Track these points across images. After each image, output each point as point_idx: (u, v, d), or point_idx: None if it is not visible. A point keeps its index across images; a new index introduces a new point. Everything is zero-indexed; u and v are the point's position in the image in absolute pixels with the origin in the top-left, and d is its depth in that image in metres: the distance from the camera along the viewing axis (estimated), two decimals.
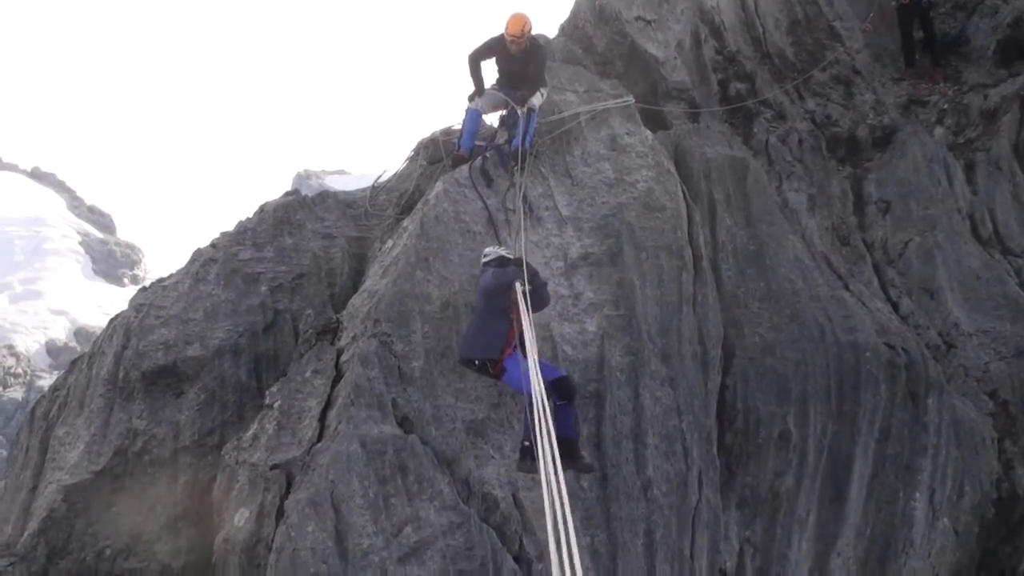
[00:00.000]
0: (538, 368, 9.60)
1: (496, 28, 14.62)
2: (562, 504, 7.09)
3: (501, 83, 15.05)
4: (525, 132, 14.12)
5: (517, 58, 14.65)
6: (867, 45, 20.01)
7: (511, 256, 11.89)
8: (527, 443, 10.45)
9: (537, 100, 14.50)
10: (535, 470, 8.89)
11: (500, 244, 12.74)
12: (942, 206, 16.49)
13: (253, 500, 10.96)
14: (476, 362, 10.94)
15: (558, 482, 7.38)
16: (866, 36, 20.18)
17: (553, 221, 13.74)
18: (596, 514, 11.50)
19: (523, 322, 10.46)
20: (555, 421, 9.91)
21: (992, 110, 18.08)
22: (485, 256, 11.90)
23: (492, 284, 11.09)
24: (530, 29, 14.49)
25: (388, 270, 12.71)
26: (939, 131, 18.03)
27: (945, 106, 18.53)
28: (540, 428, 8.28)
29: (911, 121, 18.10)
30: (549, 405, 8.98)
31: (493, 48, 14.83)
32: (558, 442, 8.55)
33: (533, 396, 8.99)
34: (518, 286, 10.99)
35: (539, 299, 11.30)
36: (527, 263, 11.60)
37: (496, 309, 10.91)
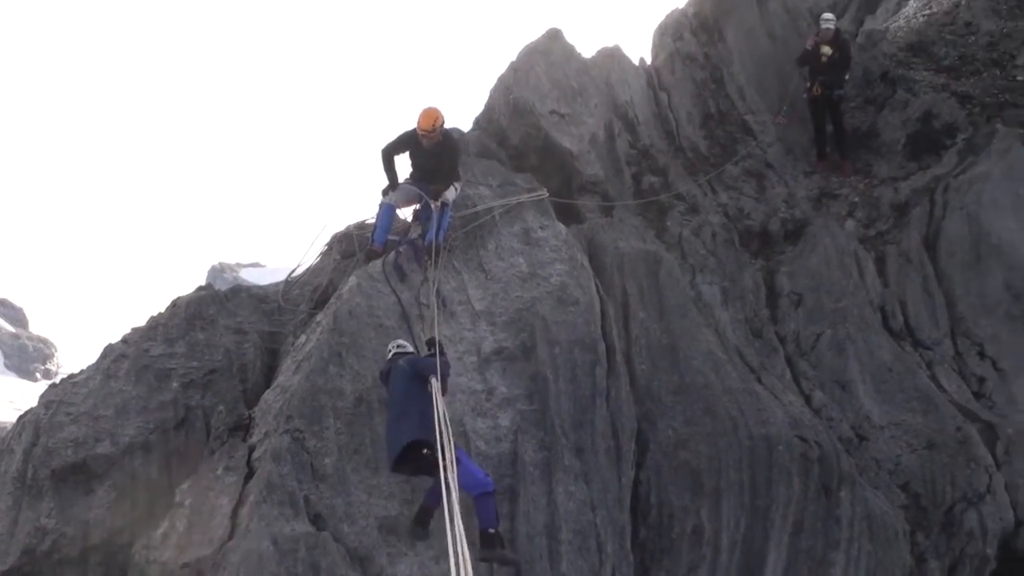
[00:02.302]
0: (454, 466, 10.07)
1: (411, 120, 15.13)
2: None
3: (415, 177, 15.42)
4: (439, 226, 14.57)
5: (430, 152, 15.09)
6: (779, 139, 21.08)
7: (411, 351, 12.42)
8: (491, 530, 11.02)
9: (451, 194, 14.98)
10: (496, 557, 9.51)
11: (414, 338, 13.24)
12: (853, 299, 17.30)
13: None
14: (410, 458, 11.04)
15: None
16: (778, 130, 21.28)
17: (467, 315, 14.29)
18: None
19: (439, 419, 10.77)
20: (477, 513, 10.59)
21: (902, 203, 19.10)
22: (389, 351, 12.38)
23: (410, 372, 11.52)
24: (442, 123, 14.98)
25: (301, 365, 13.10)
26: (850, 224, 18.98)
27: (856, 199, 19.54)
28: (450, 527, 8.61)
29: (822, 214, 19.09)
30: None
31: (406, 142, 15.26)
32: (480, 535, 9.13)
33: (443, 490, 9.40)
34: (434, 382, 11.39)
35: (445, 388, 11.81)
36: (439, 353, 12.13)
37: (418, 394, 11.25)
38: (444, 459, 9.87)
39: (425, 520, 11.74)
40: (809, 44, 21.04)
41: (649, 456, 14.16)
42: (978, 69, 22.39)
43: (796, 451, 14.39)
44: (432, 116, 14.86)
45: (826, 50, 20.67)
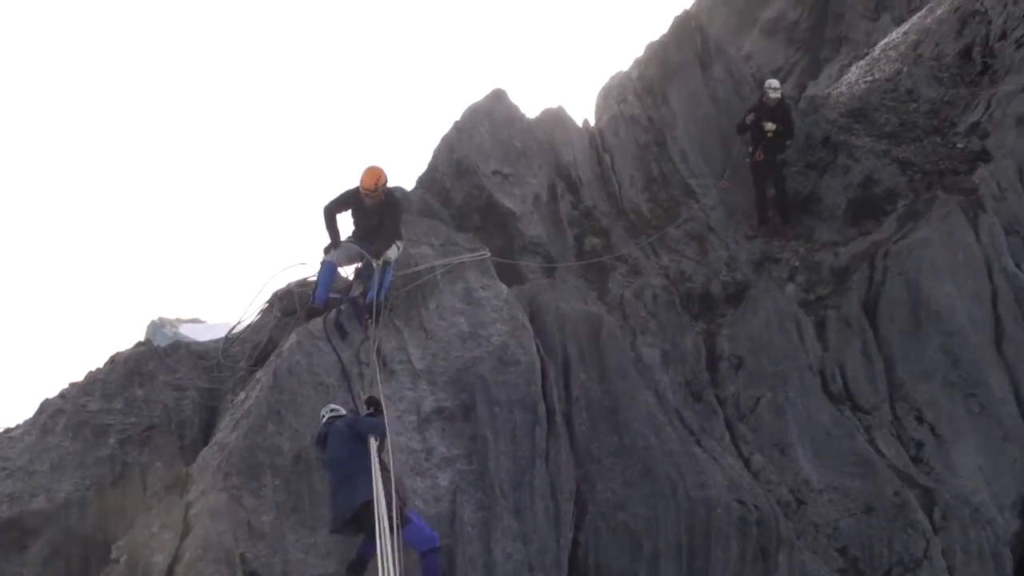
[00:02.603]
0: (395, 528, 10.27)
1: (355, 178, 15.23)
2: None
3: (357, 235, 15.50)
4: (380, 285, 14.65)
5: (372, 211, 15.18)
6: (721, 202, 21.51)
7: (344, 413, 12.49)
8: None
9: (393, 253, 15.06)
10: None
11: (353, 397, 13.34)
12: (793, 362, 17.62)
13: None
14: (355, 517, 11.16)
15: None
16: (720, 193, 21.69)
17: (407, 375, 14.41)
18: None
19: (375, 480, 11.01)
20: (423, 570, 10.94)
21: (843, 268, 19.52)
22: (323, 416, 12.39)
23: (350, 433, 11.67)
24: (385, 182, 15.06)
25: (240, 423, 13.16)
26: (791, 288, 19.39)
27: (797, 263, 19.96)
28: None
29: (764, 278, 19.48)
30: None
31: (348, 201, 15.32)
32: None
33: (379, 551, 9.54)
34: (372, 441, 11.58)
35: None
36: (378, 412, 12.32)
37: (362, 454, 11.39)
38: (379, 510, 10.08)
39: (359, 570, 11.85)
40: (749, 119, 21.50)
41: (588, 517, 14.29)
42: (919, 136, 22.92)
43: (735, 514, 14.62)
44: (375, 175, 14.95)
45: (770, 126, 21.14)
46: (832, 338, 18.38)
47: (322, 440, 12.09)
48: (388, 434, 12.26)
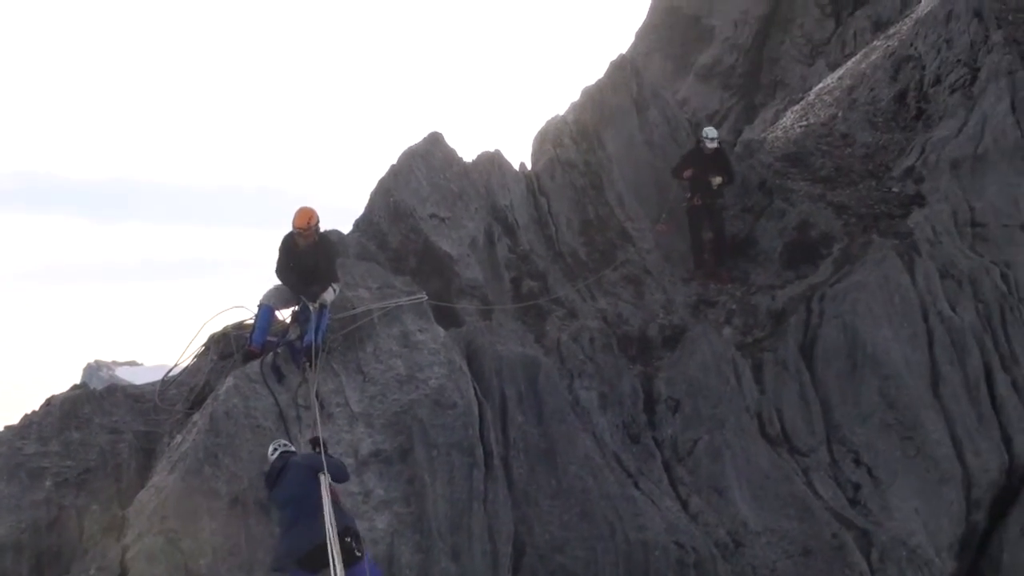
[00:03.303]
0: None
1: (288, 221, 15.47)
2: None
3: (292, 280, 15.67)
4: (317, 328, 14.95)
5: (307, 252, 15.44)
6: (657, 245, 22.02)
7: (293, 449, 12.89)
8: None
9: (329, 296, 15.33)
10: None
11: (291, 440, 13.60)
12: (731, 405, 18.07)
13: None
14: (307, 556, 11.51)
15: None
16: (656, 236, 22.17)
17: (344, 417, 14.68)
18: None
19: (327, 516, 11.33)
20: None
21: (779, 311, 20.09)
22: (275, 450, 12.82)
23: (308, 470, 12.06)
24: (317, 222, 15.38)
25: (176, 466, 13.34)
26: (727, 331, 19.91)
27: (733, 306, 20.49)
28: None
29: (700, 321, 19.98)
30: None
31: (285, 248, 15.62)
32: None
33: None
34: (323, 478, 11.92)
35: (339, 480, 12.46)
36: (325, 450, 12.63)
37: (314, 494, 11.72)
38: (332, 552, 10.45)
39: None
40: (688, 174, 22.02)
41: (526, 560, 14.68)
42: (854, 180, 23.64)
43: (673, 556, 15.08)
44: (307, 215, 15.31)
45: (717, 180, 21.70)
46: (769, 381, 18.87)
47: (273, 476, 12.38)
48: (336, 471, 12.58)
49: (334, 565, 10.31)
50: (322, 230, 15.82)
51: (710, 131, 22.40)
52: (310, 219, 15.32)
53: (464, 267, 19.11)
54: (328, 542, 10.80)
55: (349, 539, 11.58)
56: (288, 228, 15.57)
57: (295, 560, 11.63)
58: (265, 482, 12.56)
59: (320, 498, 11.66)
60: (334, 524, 11.20)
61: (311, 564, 11.57)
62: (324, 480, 11.91)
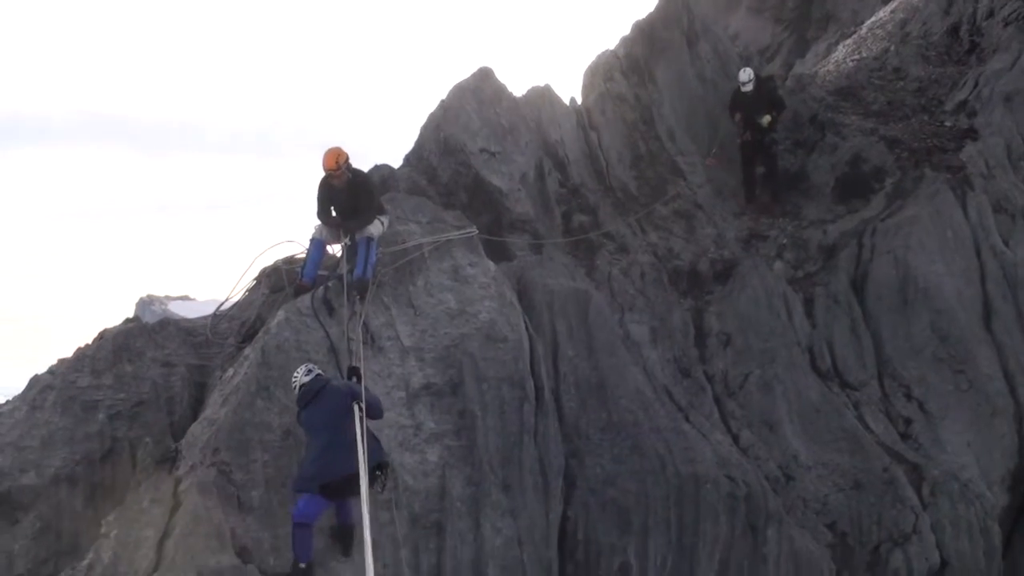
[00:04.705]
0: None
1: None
2: None
3: (337, 220, 15.49)
4: (366, 262, 14.79)
5: (342, 191, 15.18)
6: (709, 180, 21.67)
7: (320, 372, 12.51)
8: None
9: (377, 230, 15.16)
10: None
11: (341, 373, 13.29)
12: (782, 339, 17.87)
13: None
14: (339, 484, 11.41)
15: None
16: (708, 171, 21.82)
17: (395, 351, 14.56)
18: None
19: (359, 445, 11.07)
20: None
21: (831, 245, 19.73)
22: (310, 372, 12.31)
23: (350, 397, 11.84)
24: (346, 160, 15.02)
25: (228, 399, 13.34)
26: (779, 265, 19.59)
27: (785, 241, 20.14)
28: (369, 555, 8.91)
29: (751, 255, 19.65)
30: None
31: (322, 192, 15.36)
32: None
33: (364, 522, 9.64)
34: (357, 410, 11.68)
35: (373, 417, 12.16)
36: (364, 383, 12.40)
37: (347, 425, 11.47)
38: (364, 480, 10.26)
39: (348, 538, 12.30)
40: (737, 118, 21.64)
41: (576, 493, 14.57)
42: (907, 114, 23.17)
43: (723, 490, 14.89)
44: (334, 154, 14.99)
45: (766, 118, 21.20)
46: (820, 315, 18.65)
47: (308, 397, 12.02)
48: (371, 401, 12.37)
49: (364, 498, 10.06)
50: (355, 167, 15.44)
51: (742, 73, 21.82)
52: (338, 158, 14.98)
53: (514, 202, 18.88)
54: (361, 474, 10.53)
55: (380, 472, 11.57)
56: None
57: (319, 485, 11.50)
58: (297, 401, 12.28)
59: (353, 429, 11.42)
60: (366, 458, 10.95)
61: (334, 493, 11.55)
62: (358, 413, 11.67)
